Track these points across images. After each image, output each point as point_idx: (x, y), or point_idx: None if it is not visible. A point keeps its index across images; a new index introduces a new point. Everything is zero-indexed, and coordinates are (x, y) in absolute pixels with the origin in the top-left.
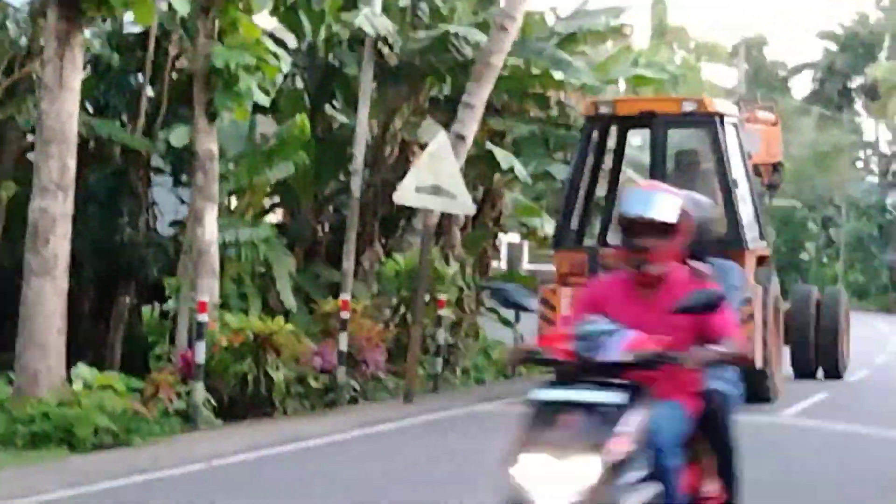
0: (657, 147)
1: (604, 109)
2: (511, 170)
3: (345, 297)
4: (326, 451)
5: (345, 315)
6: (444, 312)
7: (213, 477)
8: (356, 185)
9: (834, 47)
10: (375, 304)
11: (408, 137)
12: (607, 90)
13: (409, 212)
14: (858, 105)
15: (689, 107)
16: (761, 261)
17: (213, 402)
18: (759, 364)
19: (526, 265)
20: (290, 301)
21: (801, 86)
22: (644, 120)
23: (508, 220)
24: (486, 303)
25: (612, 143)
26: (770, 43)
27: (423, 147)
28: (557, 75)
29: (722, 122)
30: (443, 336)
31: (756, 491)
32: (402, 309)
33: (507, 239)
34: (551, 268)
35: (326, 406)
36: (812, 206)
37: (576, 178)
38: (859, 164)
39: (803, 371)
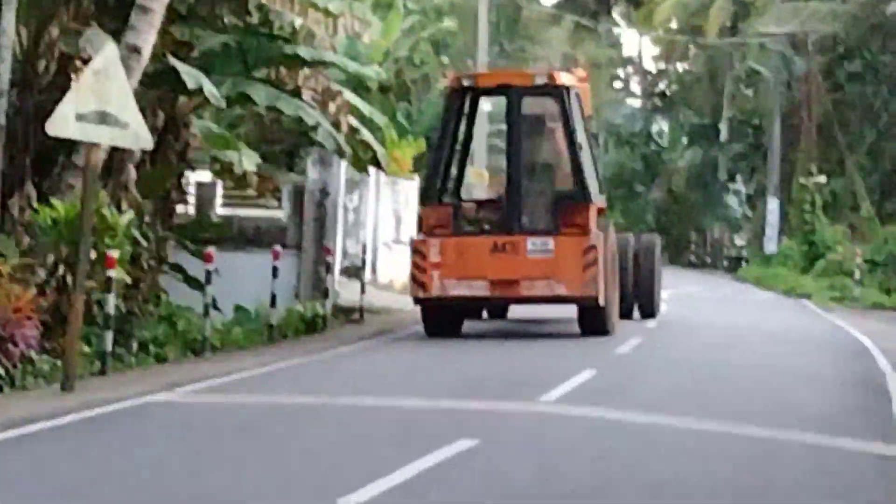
0: (512, 114)
1: (466, 82)
2: (200, 91)
3: None
4: None
5: None
6: (115, 273)
7: None
8: (0, 111)
9: None
10: (26, 263)
11: (68, 50)
12: None
13: (71, 145)
14: (617, 13)
15: (539, 80)
16: (600, 212)
17: None
18: (601, 302)
19: (220, 209)
20: None
21: None
22: (501, 91)
23: (198, 153)
24: (171, 258)
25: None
26: None
27: (88, 63)
28: None
29: (568, 93)
30: (113, 303)
31: (499, 496)
32: (62, 269)
33: (196, 177)
34: (252, 213)
35: None
36: None
37: (442, 141)
38: (619, 85)
39: (622, 311)
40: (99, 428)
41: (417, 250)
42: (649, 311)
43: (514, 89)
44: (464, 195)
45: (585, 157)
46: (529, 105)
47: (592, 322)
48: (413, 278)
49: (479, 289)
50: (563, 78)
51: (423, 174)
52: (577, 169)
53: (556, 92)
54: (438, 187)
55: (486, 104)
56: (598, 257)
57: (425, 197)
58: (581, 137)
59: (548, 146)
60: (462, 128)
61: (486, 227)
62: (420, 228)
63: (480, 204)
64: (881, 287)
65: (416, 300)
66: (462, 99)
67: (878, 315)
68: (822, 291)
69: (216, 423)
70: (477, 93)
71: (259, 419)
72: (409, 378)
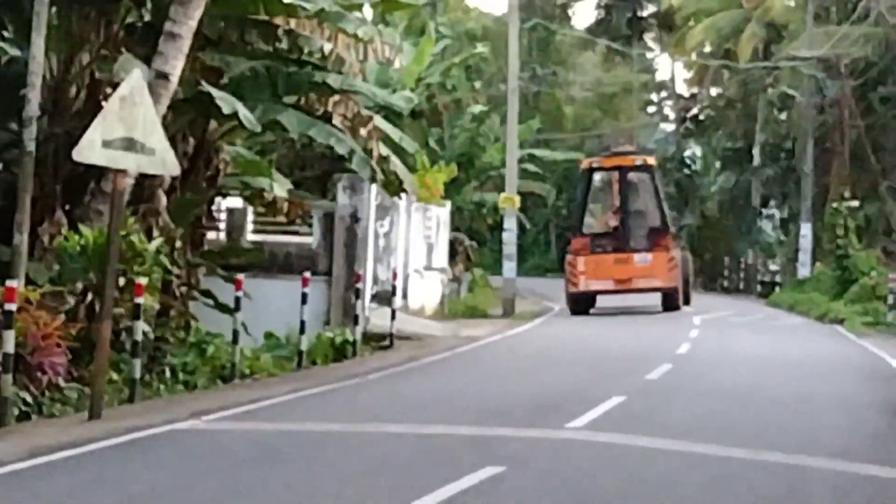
0: (622, 182)
1: (594, 164)
2: (231, 116)
3: (12, 282)
4: None
5: (10, 306)
6: (143, 300)
7: None
8: (30, 137)
9: None
10: (55, 290)
11: (98, 76)
12: (350, 17)
13: (100, 172)
14: (649, 38)
15: (638, 161)
16: (673, 237)
17: None
18: (679, 290)
19: (250, 236)
20: None
21: (584, 14)
22: (614, 168)
23: (228, 179)
24: (201, 284)
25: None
26: None
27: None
28: None
29: (653, 169)
30: (141, 330)
31: None
32: (90, 296)
33: (227, 203)
34: (282, 239)
35: None
36: None
37: (581, 198)
38: (652, 109)
39: None
40: (124, 456)
41: (570, 263)
42: (686, 301)
43: (623, 168)
44: (585, 230)
45: (664, 206)
46: (630, 176)
47: (672, 301)
48: (568, 280)
49: (608, 284)
50: (651, 160)
51: (569, 218)
52: (661, 213)
53: (648, 168)
54: (579, 225)
55: (596, 175)
56: (676, 263)
57: (573, 231)
58: (662, 194)
59: (641, 199)
60: (587, 190)
61: (609, 248)
62: (569, 250)
63: (601, 234)
64: None
65: (569, 293)
66: (589, 173)
67: None
68: (855, 316)
69: (242, 450)
70: (598, 170)
71: (285, 446)
72: (438, 404)
